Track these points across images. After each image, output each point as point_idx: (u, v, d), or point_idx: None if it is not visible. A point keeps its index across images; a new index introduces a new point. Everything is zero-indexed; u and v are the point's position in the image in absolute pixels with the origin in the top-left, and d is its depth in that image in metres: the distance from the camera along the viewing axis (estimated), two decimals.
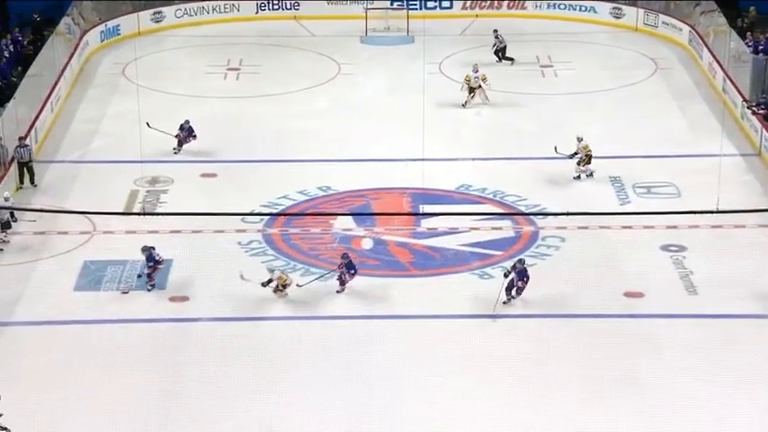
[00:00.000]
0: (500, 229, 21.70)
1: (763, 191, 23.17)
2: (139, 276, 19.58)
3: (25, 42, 29.35)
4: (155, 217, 21.27)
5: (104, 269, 20.12)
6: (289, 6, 33.85)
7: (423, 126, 21.89)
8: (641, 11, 32.83)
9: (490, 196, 22.95)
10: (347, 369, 17.32)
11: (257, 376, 17.10)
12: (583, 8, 33.53)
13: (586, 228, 21.48)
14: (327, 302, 19.13)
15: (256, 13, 33.84)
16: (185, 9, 33.24)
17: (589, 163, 23.41)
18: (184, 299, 19.26)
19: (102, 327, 18.50)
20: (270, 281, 19.06)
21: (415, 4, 33.25)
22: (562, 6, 33.61)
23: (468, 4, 33.95)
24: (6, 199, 21.29)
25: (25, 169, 23.19)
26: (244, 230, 21.52)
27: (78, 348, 17.98)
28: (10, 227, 20.96)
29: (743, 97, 26.26)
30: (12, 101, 24.35)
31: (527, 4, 33.85)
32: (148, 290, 19.29)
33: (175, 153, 24.48)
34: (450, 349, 17.69)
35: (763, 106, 25.50)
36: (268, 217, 21.93)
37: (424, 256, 20.79)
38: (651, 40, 32.05)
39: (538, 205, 22.53)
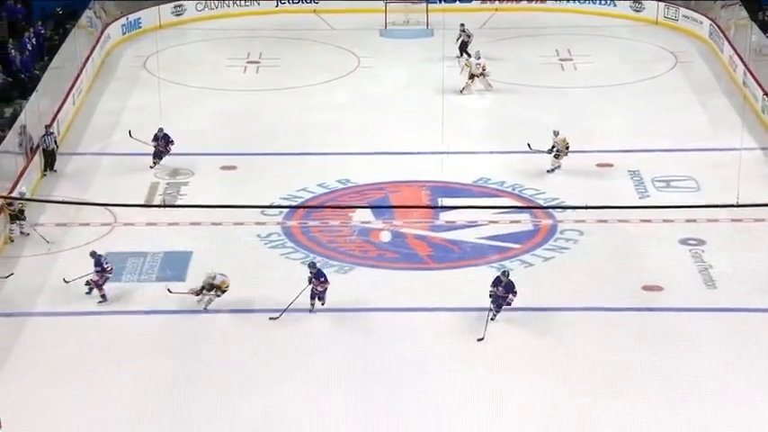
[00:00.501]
0: (519, 222, 21.62)
1: None
2: (88, 285, 18.76)
3: (48, 35, 29.44)
4: (175, 209, 21.34)
5: (125, 261, 20.16)
6: (308, 0, 33.82)
7: (442, 119, 21.88)
8: (661, 4, 32.61)
9: (509, 189, 22.86)
10: (363, 362, 17.29)
11: (272, 366, 17.13)
12: (602, 1, 33.34)
13: (605, 221, 21.37)
14: (343, 295, 19.09)
15: (276, 6, 33.83)
16: (206, 2, 33.27)
17: (566, 155, 23.05)
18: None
19: (123, 317, 18.55)
20: (204, 288, 18.37)
21: None
22: (582, 0, 33.42)
23: None
24: (22, 194, 21.35)
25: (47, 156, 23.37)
26: (263, 223, 21.51)
27: (98, 339, 18.04)
28: (24, 218, 20.98)
29: (764, 91, 26.03)
30: (34, 93, 24.43)
31: None
32: (99, 302, 18.69)
33: (152, 167, 23.12)
34: (468, 342, 17.62)
35: None
36: (287, 209, 21.92)
37: (443, 249, 20.74)
38: (671, 34, 31.83)
39: (556, 198, 22.43)
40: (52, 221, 21.47)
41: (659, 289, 19.33)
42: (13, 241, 20.75)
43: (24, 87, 26.03)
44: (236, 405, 16.30)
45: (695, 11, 31.81)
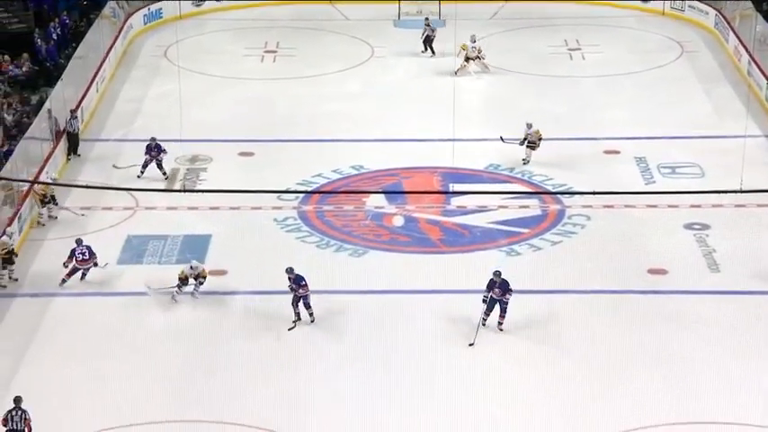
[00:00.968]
0: (527, 207, 21.57)
1: None
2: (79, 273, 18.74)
3: (72, 25, 29.48)
4: (194, 194, 21.39)
5: (146, 243, 20.23)
6: None
7: (453, 107, 21.84)
8: None
9: (518, 175, 22.81)
10: (376, 343, 17.32)
11: (288, 348, 17.18)
12: None
13: (612, 207, 21.31)
14: (357, 278, 19.12)
15: None
16: None
17: (539, 147, 22.78)
18: (222, 273, 19.31)
19: (144, 299, 18.60)
20: (185, 280, 18.18)
21: None
22: None
23: None
24: (54, 180, 21.47)
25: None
26: (280, 207, 21.54)
27: (120, 319, 18.12)
28: (56, 203, 21.09)
29: None
30: (60, 81, 24.51)
31: None
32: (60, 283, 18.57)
33: (139, 177, 22.24)
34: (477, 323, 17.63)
35: None
36: (303, 194, 21.93)
37: (454, 234, 20.72)
38: (677, 24, 31.64)
39: (564, 184, 22.37)
40: (76, 205, 21.53)
41: (664, 272, 19.28)
42: (43, 225, 20.84)
43: (50, 75, 26.11)
44: (253, 387, 16.37)
45: (701, 1, 31.61)
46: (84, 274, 18.97)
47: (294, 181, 22.40)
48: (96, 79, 26.59)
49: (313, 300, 17.83)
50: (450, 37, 27.71)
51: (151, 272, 19.23)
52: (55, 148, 22.97)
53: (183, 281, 18.36)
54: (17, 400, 14.77)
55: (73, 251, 18.81)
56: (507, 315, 17.44)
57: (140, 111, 26.28)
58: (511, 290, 17.35)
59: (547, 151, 23.63)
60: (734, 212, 21.03)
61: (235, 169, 23.20)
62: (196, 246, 20.06)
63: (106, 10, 29.40)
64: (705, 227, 20.68)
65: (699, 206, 21.08)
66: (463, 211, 21.36)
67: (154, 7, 31.96)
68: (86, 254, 18.75)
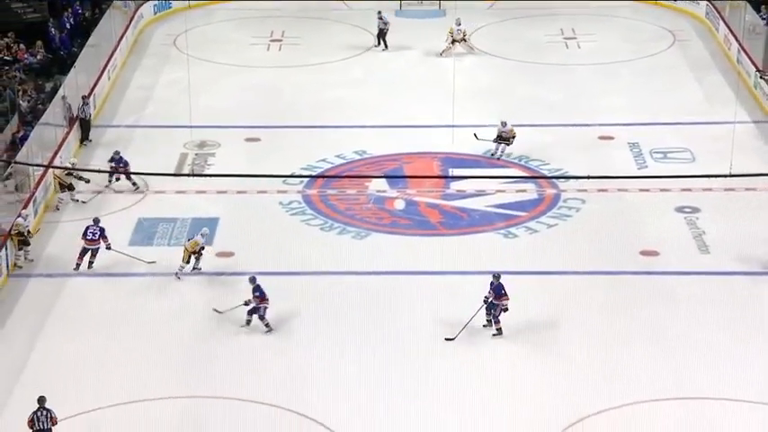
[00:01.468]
0: (524, 191, 21.52)
1: None
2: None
3: (85, 15, 29.36)
4: (202, 178, 21.35)
5: (156, 226, 20.21)
6: None
7: (453, 95, 21.77)
8: None
9: (515, 161, 22.74)
10: (379, 322, 17.32)
11: (292, 327, 17.16)
12: None
13: (606, 190, 21.26)
14: (360, 259, 19.10)
15: None
16: None
17: (511, 143, 22.51)
18: (229, 254, 19.30)
19: (155, 279, 18.59)
20: (192, 254, 18.14)
21: None
22: None
23: None
24: (73, 164, 21.42)
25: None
26: (285, 191, 21.50)
27: (132, 299, 18.12)
28: (74, 189, 21.07)
29: (756, 67, 25.79)
30: (73, 69, 24.45)
31: None
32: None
33: (108, 186, 21.42)
34: (476, 303, 17.56)
35: None
36: (308, 179, 21.88)
37: (453, 217, 20.68)
38: (670, 14, 31.45)
39: (560, 169, 22.31)
40: (89, 189, 21.49)
41: (656, 254, 19.25)
42: (58, 209, 20.79)
43: (63, 63, 26.03)
44: (259, 365, 16.37)
45: None
46: (91, 261, 18.69)
47: (299, 165, 22.34)
48: (108, 67, 26.52)
49: (318, 280, 17.79)
50: (450, 26, 27.59)
51: (161, 253, 19.22)
52: (68, 133, 22.92)
53: (196, 254, 18.26)
54: (41, 400, 14.38)
55: (86, 230, 18.71)
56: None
57: (151, 97, 26.21)
58: (504, 295, 16.66)
59: (543, 137, 23.57)
60: (723, 196, 20.98)
61: (241, 154, 23.15)
62: (204, 228, 19.98)
63: (117, 0, 29.27)
64: (695, 210, 20.64)
65: (689, 190, 21.03)
66: (462, 195, 21.31)
67: None
68: (96, 234, 18.63)
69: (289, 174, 21.73)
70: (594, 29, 30.33)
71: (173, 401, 15.57)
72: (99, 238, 18.66)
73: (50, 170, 20.92)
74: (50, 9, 28.55)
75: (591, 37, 29.74)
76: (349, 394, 15.70)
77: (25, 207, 19.70)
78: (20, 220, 19.11)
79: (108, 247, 18.75)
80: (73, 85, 24.00)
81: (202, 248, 18.50)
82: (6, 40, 26.29)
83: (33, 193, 20.32)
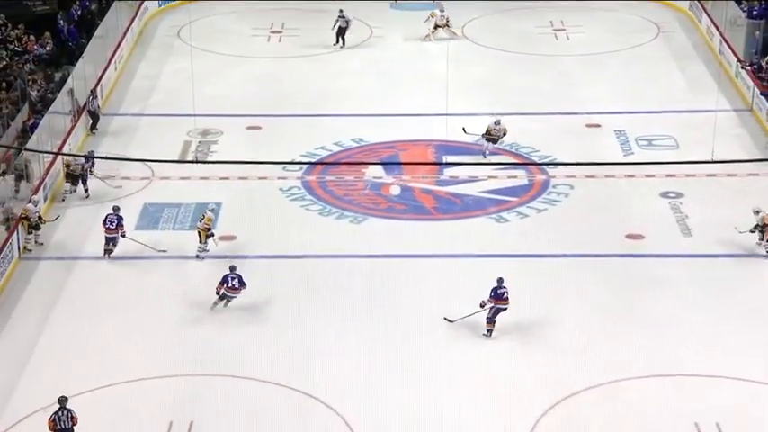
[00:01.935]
0: (515, 177, 21.51)
1: (754, 143, 22.79)
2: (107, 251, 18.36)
3: (92, 7, 29.22)
4: (206, 165, 21.30)
5: (161, 211, 20.19)
6: None
7: (447, 84, 21.71)
8: None
9: (506, 148, 22.70)
10: (378, 303, 17.35)
11: (294, 309, 17.18)
12: None
13: (593, 177, 21.25)
14: (357, 243, 19.09)
15: None
16: None
17: (502, 141, 22.25)
18: (232, 238, 19.28)
19: (160, 262, 18.57)
20: (208, 237, 18.14)
21: None
22: None
23: None
24: (91, 153, 21.28)
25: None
26: (285, 178, 21.46)
27: (140, 281, 18.13)
28: (85, 181, 20.97)
29: (737, 58, 25.76)
30: (81, 60, 24.37)
31: None
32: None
33: (91, 176, 20.81)
34: (468, 285, 17.60)
35: (755, 66, 25.02)
36: (307, 165, 21.85)
37: (447, 202, 20.67)
38: (655, 6, 31.33)
39: (549, 156, 22.29)
40: (96, 175, 21.41)
41: (641, 237, 19.27)
42: (63, 200, 20.72)
43: (71, 54, 25.92)
44: (262, 343, 16.39)
45: None
46: (109, 250, 18.36)
47: (298, 153, 22.30)
48: (114, 58, 26.44)
49: (316, 263, 17.77)
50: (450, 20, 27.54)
51: (166, 237, 19.18)
52: (76, 123, 22.84)
53: (207, 231, 18.23)
54: (62, 400, 14.07)
55: (105, 218, 18.54)
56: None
57: (156, 87, 26.11)
58: (504, 298, 16.22)
59: (533, 125, 23.53)
60: (706, 182, 20.99)
61: (243, 142, 23.10)
62: None
63: None
64: (679, 195, 20.64)
65: (673, 176, 21.04)
66: (455, 181, 21.29)
67: None
68: (114, 223, 18.47)
69: (289, 161, 21.70)
70: (583, 21, 30.24)
71: (178, 380, 15.57)
72: (116, 227, 18.44)
73: (60, 158, 20.85)
74: (59, 2, 28.41)
75: (579, 29, 29.66)
76: (346, 373, 15.72)
77: (35, 193, 19.65)
78: (29, 205, 19.06)
79: (122, 235, 18.63)
80: (81, 75, 23.93)
81: (210, 231, 18.37)
82: (17, 31, 26.17)
83: (43, 179, 20.27)
